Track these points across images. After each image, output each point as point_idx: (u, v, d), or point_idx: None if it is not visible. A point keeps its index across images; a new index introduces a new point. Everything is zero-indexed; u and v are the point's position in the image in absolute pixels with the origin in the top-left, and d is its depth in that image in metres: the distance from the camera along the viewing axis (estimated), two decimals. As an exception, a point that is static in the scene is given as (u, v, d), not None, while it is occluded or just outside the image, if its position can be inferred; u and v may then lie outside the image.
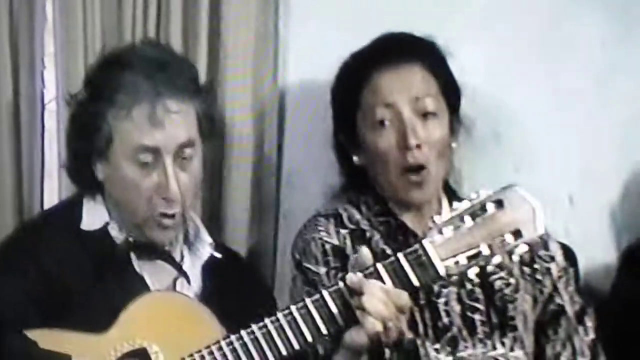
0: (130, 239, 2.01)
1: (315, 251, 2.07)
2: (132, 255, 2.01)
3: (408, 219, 2.12)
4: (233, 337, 1.86)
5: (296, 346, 1.86)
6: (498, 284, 2.08)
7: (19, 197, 2.27)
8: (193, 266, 2.07)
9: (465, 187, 2.25)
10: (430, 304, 2.04)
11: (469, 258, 1.85)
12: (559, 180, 2.43)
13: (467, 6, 2.40)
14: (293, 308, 1.87)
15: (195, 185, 2.03)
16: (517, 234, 1.85)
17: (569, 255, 2.23)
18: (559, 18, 2.44)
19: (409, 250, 1.85)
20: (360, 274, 1.83)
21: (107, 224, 2.02)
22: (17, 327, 1.79)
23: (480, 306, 2.07)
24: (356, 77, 2.12)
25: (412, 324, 1.89)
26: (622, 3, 2.45)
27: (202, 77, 2.25)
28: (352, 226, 2.11)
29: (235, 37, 2.31)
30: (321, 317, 1.86)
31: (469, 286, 2.07)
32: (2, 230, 2.15)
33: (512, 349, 2.06)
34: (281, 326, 1.86)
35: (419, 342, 2.02)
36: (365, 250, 1.87)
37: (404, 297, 1.84)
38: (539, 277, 2.11)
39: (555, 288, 2.12)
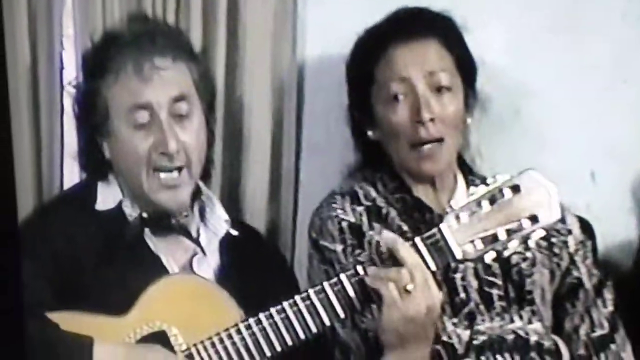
0: (144, 215, 2.03)
1: (331, 229, 2.09)
2: (148, 234, 2.03)
3: (424, 195, 2.13)
4: (251, 321, 1.88)
5: (314, 330, 1.88)
6: (515, 258, 2.09)
7: (39, 179, 2.30)
8: (209, 243, 2.09)
9: (485, 164, 2.26)
10: (447, 279, 2.05)
11: (486, 243, 1.88)
12: (581, 156, 2.44)
13: (485, -19, 2.41)
14: (311, 292, 1.89)
15: (199, 146, 2.05)
16: (533, 219, 1.88)
17: (587, 228, 2.22)
18: (578, -8, 2.44)
19: (426, 234, 1.88)
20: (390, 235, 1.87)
21: (120, 202, 2.04)
22: (35, 310, 1.80)
23: (498, 281, 2.08)
24: (371, 51, 2.14)
25: None
26: (642, -24, 2.45)
27: (222, 55, 2.32)
28: (368, 203, 2.12)
29: (253, 15, 2.34)
30: (339, 301, 1.88)
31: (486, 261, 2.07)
32: (22, 214, 2.12)
33: (529, 322, 2.08)
34: (299, 310, 1.88)
35: None
36: (385, 233, 1.91)
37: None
38: (556, 250, 2.12)
39: (572, 261, 2.13)
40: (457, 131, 2.12)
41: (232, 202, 2.32)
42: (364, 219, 2.10)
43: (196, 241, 2.07)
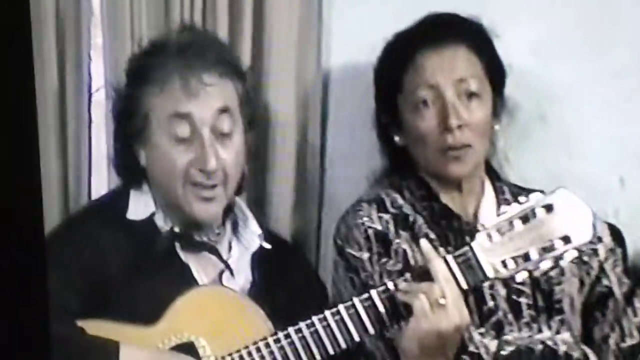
0: (176, 229, 2.03)
1: (357, 237, 2.09)
2: (178, 247, 2.03)
3: (451, 202, 2.13)
4: (280, 335, 1.89)
5: (343, 345, 1.89)
6: (544, 266, 2.09)
7: (65, 189, 2.31)
8: (241, 257, 2.09)
9: (512, 170, 2.27)
10: (475, 288, 2.03)
11: (518, 262, 1.88)
12: (609, 162, 2.43)
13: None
14: (341, 307, 1.89)
15: (237, 164, 2.05)
16: (566, 239, 1.87)
17: (617, 235, 2.23)
18: (605, -5, 2.44)
19: (457, 252, 1.89)
20: (427, 245, 1.87)
21: (153, 214, 2.05)
22: (61, 317, 1.81)
23: (526, 289, 2.07)
24: (399, 57, 2.14)
25: None
26: (669, -22, 2.43)
27: (247, 63, 2.29)
28: (394, 211, 2.12)
29: (278, 23, 2.35)
30: (369, 317, 1.89)
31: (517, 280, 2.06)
32: (48, 224, 2.12)
33: (558, 332, 2.07)
34: (329, 325, 1.88)
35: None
36: (423, 242, 1.91)
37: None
38: (585, 258, 2.11)
39: (602, 269, 2.13)
40: (484, 138, 2.12)
41: (257, 210, 2.30)
42: (391, 226, 2.10)
43: (225, 262, 2.07)
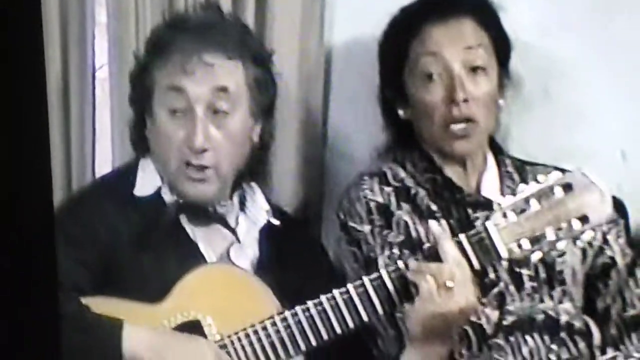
0: (181, 201, 2.04)
1: (359, 210, 2.11)
2: (185, 221, 2.05)
3: (454, 175, 2.16)
4: (287, 314, 1.90)
5: (351, 325, 1.90)
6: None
7: (68, 167, 2.33)
8: (248, 232, 2.10)
9: (514, 144, 2.29)
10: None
11: (534, 243, 1.88)
12: (611, 135, 2.44)
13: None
14: (350, 286, 1.90)
15: (235, 146, 2.04)
16: (584, 219, 1.87)
17: (619, 207, 2.23)
18: (610, -31, 2.44)
19: (471, 232, 1.90)
20: (437, 226, 1.89)
21: (159, 188, 2.06)
22: (67, 294, 1.83)
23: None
24: (406, 29, 2.16)
25: None
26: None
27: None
28: (396, 184, 2.15)
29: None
30: (378, 297, 1.89)
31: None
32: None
33: (560, 302, 2.10)
34: (337, 304, 1.89)
35: None
36: (432, 223, 1.93)
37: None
38: (588, 229, 2.13)
39: (605, 240, 2.15)
40: (490, 112, 2.14)
41: (260, 185, 2.31)
42: (392, 199, 2.13)
43: (233, 230, 2.08)
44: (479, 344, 2.06)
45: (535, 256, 1.89)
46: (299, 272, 2.05)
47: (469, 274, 1.88)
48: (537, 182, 1.89)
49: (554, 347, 2.08)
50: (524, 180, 2.16)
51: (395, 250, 2.08)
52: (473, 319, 2.04)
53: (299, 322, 1.89)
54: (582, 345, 2.11)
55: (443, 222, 2.08)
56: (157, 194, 2.06)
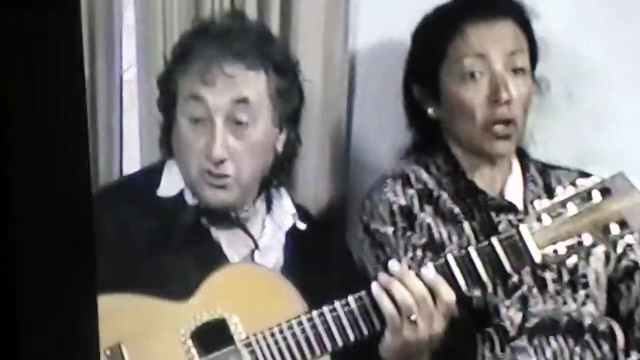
0: (202, 205, 2.08)
1: (382, 212, 2.14)
2: (207, 224, 2.08)
3: (478, 179, 2.19)
4: (314, 313, 1.91)
5: (377, 326, 1.91)
6: (569, 241, 2.12)
7: (96, 169, 2.36)
8: (274, 236, 2.13)
9: (538, 147, 2.30)
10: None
11: (569, 248, 1.87)
12: (636, 138, 2.45)
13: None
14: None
15: (255, 156, 2.06)
16: (622, 224, 1.85)
17: (643, 210, 2.26)
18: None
19: (504, 235, 1.90)
20: (397, 266, 1.90)
21: (182, 190, 2.10)
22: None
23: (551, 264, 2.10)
24: (446, 26, 2.17)
25: (482, 284, 1.96)
26: None
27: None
28: (419, 186, 2.17)
29: (307, 2, 2.40)
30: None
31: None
32: None
33: (583, 305, 2.13)
34: (364, 305, 1.91)
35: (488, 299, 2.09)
36: (391, 263, 1.93)
37: (446, 296, 1.89)
38: (611, 233, 2.14)
39: (628, 244, 2.13)
40: (525, 115, 2.17)
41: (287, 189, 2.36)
42: (415, 201, 2.15)
43: (253, 239, 2.10)
44: (501, 345, 2.09)
45: (571, 261, 1.89)
46: (323, 275, 2.07)
47: (432, 307, 1.88)
48: (575, 185, 1.90)
49: (577, 349, 2.11)
50: (547, 184, 2.21)
51: (419, 253, 2.11)
52: (497, 321, 2.08)
53: (325, 322, 1.91)
54: (606, 348, 2.14)
55: (466, 224, 2.13)
56: (181, 195, 2.10)
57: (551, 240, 1.88)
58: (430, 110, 2.22)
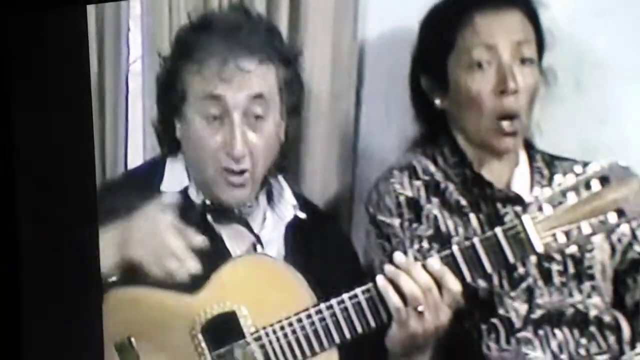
0: (208, 202, 2.12)
1: (389, 203, 2.19)
2: (210, 219, 2.12)
3: (485, 170, 2.23)
4: (323, 306, 1.97)
5: (385, 318, 1.97)
6: (574, 233, 2.14)
7: (102, 158, 2.40)
8: (275, 228, 2.17)
9: (545, 138, 2.33)
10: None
11: (569, 236, 1.94)
12: None
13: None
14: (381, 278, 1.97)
15: (268, 149, 2.12)
16: (620, 212, 1.91)
17: (650, 202, 2.28)
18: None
19: (507, 225, 1.96)
20: (402, 257, 1.95)
21: (186, 187, 2.14)
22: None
23: (557, 256, 2.15)
24: (454, 16, 2.21)
25: (486, 275, 2.02)
26: None
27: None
28: (426, 178, 2.22)
29: None
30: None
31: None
32: None
33: (589, 297, 2.17)
34: (371, 297, 1.96)
35: (494, 291, 2.14)
36: (396, 255, 2.00)
37: (452, 286, 1.96)
38: (617, 225, 2.16)
39: (634, 236, 2.20)
40: (531, 107, 2.21)
41: (291, 179, 2.36)
42: (422, 193, 2.20)
43: (256, 235, 2.15)
44: (507, 337, 2.13)
45: (570, 250, 1.96)
46: (325, 266, 2.12)
47: (438, 297, 1.94)
48: (575, 174, 1.95)
49: (583, 341, 2.15)
50: (554, 176, 2.19)
51: (425, 244, 2.16)
52: (502, 312, 2.12)
53: (333, 315, 1.96)
54: (611, 339, 2.17)
55: (472, 216, 2.17)
56: (184, 192, 2.14)
57: (552, 230, 1.94)
58: (437, 101, 2.25)
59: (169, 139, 2.18)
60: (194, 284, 2.02)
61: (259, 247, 2.16)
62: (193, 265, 2.01)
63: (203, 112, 2.11)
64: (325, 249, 2.18)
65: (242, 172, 2.10)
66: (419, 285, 1.94)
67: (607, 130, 2.45)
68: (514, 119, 2.18)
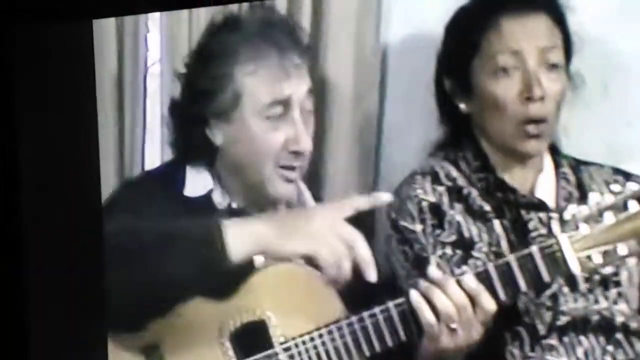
0: (234, 205, 2.14)
1: (411, 209, 2.21)
2: None
3: (508, 175, 2.25)
4: (354, 319, 1.98)
5: (416, 333, 1.98)
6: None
7: (121, 158, 2.45)
8: None
9: (571, 143, 2.35)
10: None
11: (605, 257, 1.96)
12: None
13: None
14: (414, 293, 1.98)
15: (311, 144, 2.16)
16: None
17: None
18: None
19: (544, 244, 1.97)
20: (438, 273, 1.97)
21: (210, 190, 2.16)
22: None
23: None
24: (480, 20, 2.23)
25: (512, 282, 2.03)
26: None
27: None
28: (448, 183, 2.24)
29: None
30: None
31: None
32: (104, 190, 2.25)
33: (615, 303, 2.19)
34: (403, 311, 1.98)
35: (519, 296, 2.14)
36: (431, 269, 2.03)
37: (487, 305, 1.99)
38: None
39: None
40: (558, 112, 2.22)
41: (313, 181, 2.40)
42: (444, 198, 2.22)
43: None
44: (531, 344, 2.15)
45: (606, 270, 2.00)
46: None
47: (472, 315, 1.97)
48: (612, 193, 1.97)
49: (609, 348, 2.17)
50: (580, 181, 2.27)
51: (448, 250, 2.18)
52: (527, 319, 2.14)
53: (364, 328, 1.98)
54: (638, 346, 2.19)
55: (496, 222, 2.19)
56: (208, 195, 2.16)
57: (587, 249, 1.96)
58: (462, 105, 2.27)
59: (197, 147, 2.18)
60: (224, 291, 2.04)
61: None
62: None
63: (264, 111, 2.14)
64: None
65: (296, 167, 2.15)
66: (453, 303, 1.97)
67: (633, 133, 2.47)
68: (541, 122, 2.20)
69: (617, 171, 2.29)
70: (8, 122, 1.90)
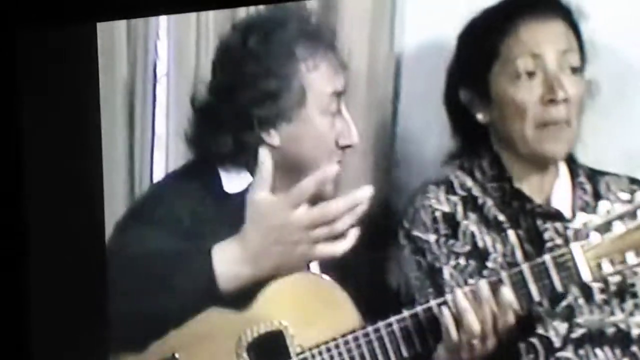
0: None
1: (424, 218, 2.24)
2: None
3: (525, 185, 2.26)
4: (370, 329, 2.02)
5: (432, 343, 2.02)
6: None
7: (131, 167, 2.50)
8: None
9: (588, 152, 2.36)
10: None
11: (615, 266, 2.00)
12: None
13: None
14: (433, 303, 2.04)
15: None
16: None
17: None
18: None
19: (556, 253, 2.01)
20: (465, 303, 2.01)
21: (250, 184, 2.15)
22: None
23: None
24: (498, 25, 2.25)
25: (525, 291, 2.07)
26: None
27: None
28: (463, 193, 2.26)
29: (352, 1, 2.50)
30: None
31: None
32: (113, 198, 2.38)
33: (631, 315, 2.21)
34: (419, 322, 2.01)
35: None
36: (458, 298, 2.06)
37: (510, 320, 2.04)
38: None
39: None
40: (579, 117, 2.24)
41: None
42: (459, 208, 2.25)
43: None
44: (546, 356, 2.18)
45: (615, 279, 2.03)
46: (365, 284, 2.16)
47: (492, 330, 2.02)
48: (622, 202, 2.00)
49: None
50: (597, 191, 2.29)
51: (462, 261, 2.21)
52: (541, 331, 2.17)
53: (380, 338, 2.01)
54: None
55: (510, 232, 2.22)
56: (247, 191, 2.16)
57: (598, 258, 2.00)
58: (479, 115, 2.29)
59: (246, 150, 2.19)
60: (240, 301, 2.07)
61: None
62: None
63: (326, 107, 2.21)
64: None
65: (342, 162, 2.21)
66: (481, 323, 2.02)
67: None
68: (562, 126, 2.22)
69: (634, 181, 2.31)
70: (12, 125, 1.94)
